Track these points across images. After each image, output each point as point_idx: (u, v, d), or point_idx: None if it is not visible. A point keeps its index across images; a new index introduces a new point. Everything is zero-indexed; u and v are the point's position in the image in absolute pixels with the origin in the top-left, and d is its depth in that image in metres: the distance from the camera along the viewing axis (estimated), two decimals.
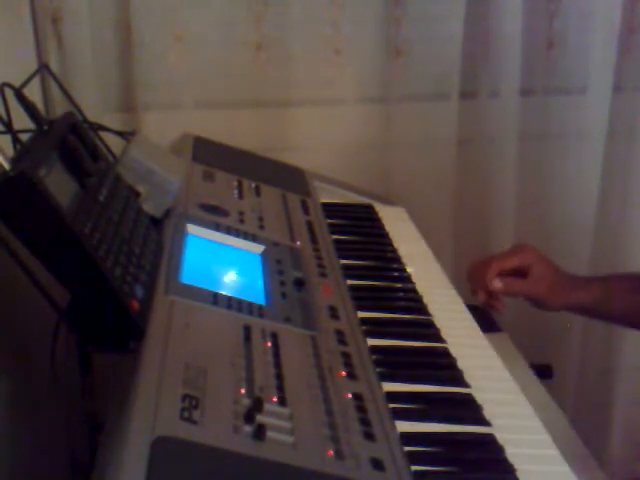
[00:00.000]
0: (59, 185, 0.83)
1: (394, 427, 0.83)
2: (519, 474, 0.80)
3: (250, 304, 0.95)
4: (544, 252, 1.60)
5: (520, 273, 1.28)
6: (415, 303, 1.15)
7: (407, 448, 0.80)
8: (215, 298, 0.93)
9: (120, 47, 1.61)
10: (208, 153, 1.44)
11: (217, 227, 1.13)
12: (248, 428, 0.71)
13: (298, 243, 1.19)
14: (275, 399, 0.77)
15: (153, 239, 1.03)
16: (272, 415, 0.74)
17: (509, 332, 1.34)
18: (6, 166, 0.79)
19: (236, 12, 1.65)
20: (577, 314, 1.41)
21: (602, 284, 1.30)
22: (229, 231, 1.13)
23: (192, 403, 0.71)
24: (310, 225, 1.29)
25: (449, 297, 1.20)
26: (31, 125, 0.96)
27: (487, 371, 1.00)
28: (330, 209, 1.44)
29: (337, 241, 1.30)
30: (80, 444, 1.04)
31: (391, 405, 0.87)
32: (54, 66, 1.51)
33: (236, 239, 1.12)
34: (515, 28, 1.69)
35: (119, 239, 0.91)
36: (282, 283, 1.04)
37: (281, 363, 0.84)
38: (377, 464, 0.73)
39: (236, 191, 1.31)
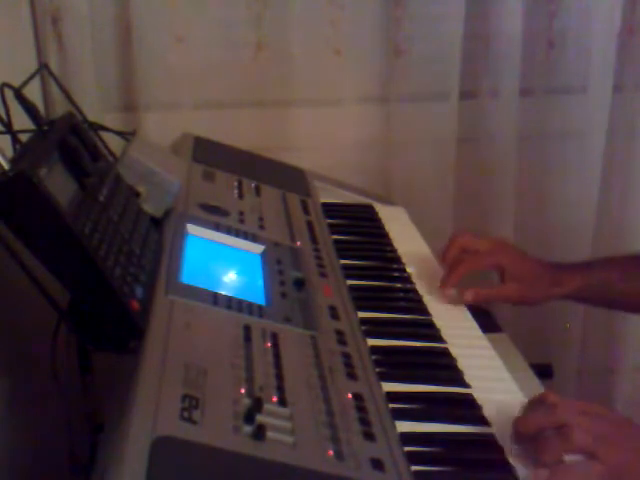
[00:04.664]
0: (59, 185, 0.83)
1: (394, 427, 0.83)
2: (519, 474, 0.80)
3: (250, 304, 0.95)
4: (544, 252, 1.60)
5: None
6: (415, 303, 1.15)
7: (407, 448, 0.80)
8: (215, 298, 0.93)
9: (120, 47, 1.61)
10: (208, 153, 1.44)
11: (217, 227, 1.13)
12: (248, 428, 0.71)
13: (298, 243, 1.19)
14: (275, 399, 0.77)
15: (153, 239, 1.03)
16: (272, 415, 0.74)
17: (509, 332, 1.34)
18: (6, 166, 0.79)
19: (236, 12, 1.65)
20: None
21: (588, 272, 1.26)
22: (229, 231, 1.13)
23: (192, 403, 0.71)
24: (310, 225, 1.29)
25: (449, 297, 1.20)
26: (31, 125, 0.96)
27: (487, 371, 1.00)
28: (330, 209, 1.44)
29: (337, 241, 1.30)
30: (80, 444, 1.04)
31: (391, 405, 0.87)
32: (54, 66, 1.51)
33: (236, 239, 1.12)
34: (515, 28, 1.69)
35: (119, 239, 0.91)
36: (282, 283, 1.04)
37: (281, 363, 0.84)
38: (377, 464, 0.73)
39: (236, 191, 1.31)
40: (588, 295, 1.28)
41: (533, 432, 0.81)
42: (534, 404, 0.84)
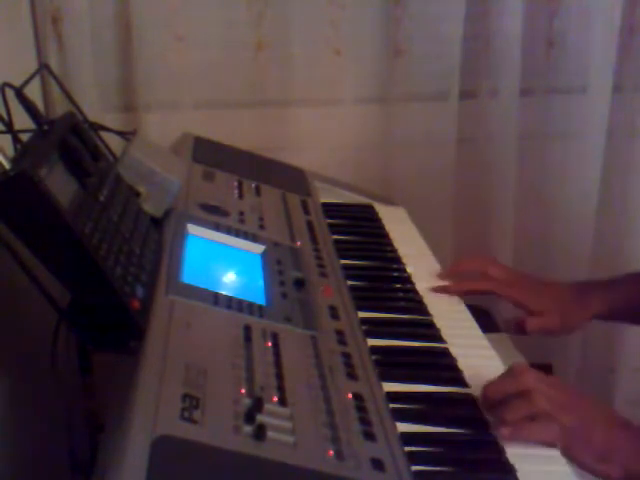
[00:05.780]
0: (60, 185, 0.83)
1: (394, 427, 0.83)
2: (519, 474, 0.80)
3: (250, 304, 0.95)
4: (544, 251, 1.60)
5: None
6: (415, 303, 1.15)
7: (407, 448, 0.80)
8: (215, 298, 0.93)
9: (120, 47, 1.61)
10: (208, 153, 1.45)
11: (217, 227, 1.13)
12: (248, 428, 0.71)
13: (298, 243, 1.20)
14: (275, 399, 0.77)
15: (153, 239, 1.03)
16: (272, 415, 0.74)
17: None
18: (7, 165, 0.79)
19: (236, 12, 1.65)
20: None
21: (612, 292, 1.27)
22: (229, 231, 1.13)
23: (192, 403, 0.71)
24: (310, 225, 1.29)
25: (449, 297, 1.20)
26: (31, 125, 0.96)
27: (487, 371, 1.00)
28: (330, 209, 1.44)
29: (337, 241, 1.30)
30: (80, 444, 1.04)
31: (391, 405, 0.87)
32: (54, 66, 1.51)
33: (236, 239, 1.12)
34: (515, 28, 1.69)
35: (119, 239, 0.91)
36: (282, 283, 1.04)
37: (281, 363, 0.84)
38: (377, 464, 0.74)
39: (236, 191, 1.31)
40: (614, 314, 1.30)
41: (499, 397, 0.88)
42: (503, 374, 0.92)
